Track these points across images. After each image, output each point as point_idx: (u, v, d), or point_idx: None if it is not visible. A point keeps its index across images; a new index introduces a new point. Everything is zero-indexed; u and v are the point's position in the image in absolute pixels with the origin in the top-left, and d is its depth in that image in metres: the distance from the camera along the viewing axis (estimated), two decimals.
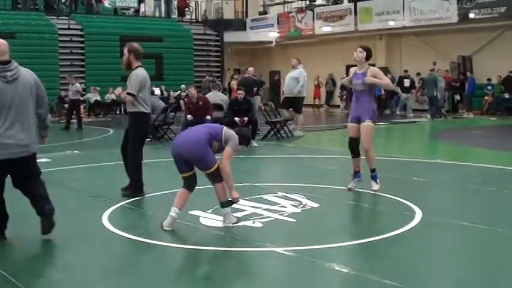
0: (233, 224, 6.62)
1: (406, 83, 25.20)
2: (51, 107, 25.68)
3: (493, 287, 4.86)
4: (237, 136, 6.60)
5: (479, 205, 7.85)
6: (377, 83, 8.23)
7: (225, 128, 6.71)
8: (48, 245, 6.21)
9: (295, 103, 16.45)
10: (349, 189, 8.41)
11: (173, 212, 6.49)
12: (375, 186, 8.28)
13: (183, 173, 6.57)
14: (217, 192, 6.60)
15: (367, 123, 8.21)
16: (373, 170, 8.33)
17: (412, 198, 7.77)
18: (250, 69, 17.81)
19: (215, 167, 6.48)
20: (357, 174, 8.49)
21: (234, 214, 6.72)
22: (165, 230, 6.43)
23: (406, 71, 25.33)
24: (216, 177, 6.52)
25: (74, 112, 20.01)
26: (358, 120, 8.30)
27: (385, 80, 8.36)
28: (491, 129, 19.71)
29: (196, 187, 6.66)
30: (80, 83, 27.16)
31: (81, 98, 21.21)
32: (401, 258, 5.66)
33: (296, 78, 16.18)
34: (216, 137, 6.53)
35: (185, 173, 6.56)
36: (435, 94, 22.90)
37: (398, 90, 25.04)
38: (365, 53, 8.28)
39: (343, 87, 29.23)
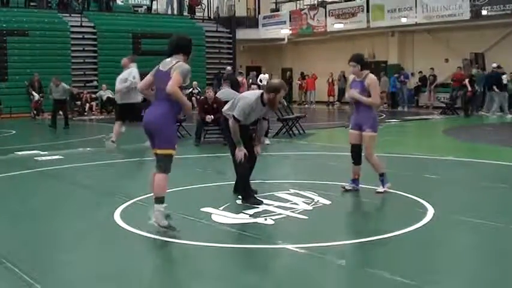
0: (161, 226, 6.08)
1: (505, 79, 22.10)
2: None
3: (505, 285, 4.84)
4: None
5: (492, 202, 7.80)
6: (362, 100, 8.02)
7: None
8: (61, 241, 6.26)
9: (123, 108, 13.93)
10: (342, 187, 8.35)
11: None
12: (379, 189, 8.18)
13: (153, 149, 6.22)
14: (156, 183, 6.11)
15: (367, 133, 8.10)
16: (381, 175, 8.21)
17: (424, 195, 7.74)
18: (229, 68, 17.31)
19: (169, 151, 6.10)
20: (354, 181, 8.36)
21: (245, 211, 6.70)
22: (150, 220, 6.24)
23: (499, 66, 22.60)
24: (165, 165, 6.09)
25: (61, 111, 19.78)
26: (360, 127, 8.18)
27: (371, 98, 8.04)
28: (504, 126, 19.59)
29: (206, 184, 6.66)
30: (92, 80, 27.51)
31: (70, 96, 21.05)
32: (413, 255, 5.65)
33: (125, 79, 13.76)
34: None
35: (154, 150, 6.20)
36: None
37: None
38: (359, 66, 8.12)
39: None
